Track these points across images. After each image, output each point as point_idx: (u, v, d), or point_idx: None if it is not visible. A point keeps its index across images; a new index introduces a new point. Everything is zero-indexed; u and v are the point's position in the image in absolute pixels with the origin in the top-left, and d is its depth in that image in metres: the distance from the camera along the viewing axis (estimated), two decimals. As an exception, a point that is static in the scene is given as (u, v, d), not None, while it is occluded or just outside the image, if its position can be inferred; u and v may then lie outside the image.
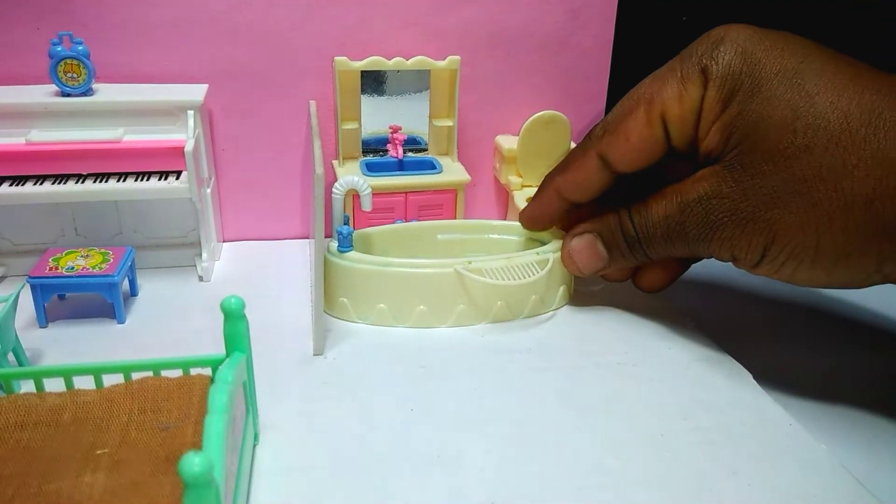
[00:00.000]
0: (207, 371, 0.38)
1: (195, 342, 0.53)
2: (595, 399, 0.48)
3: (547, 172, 0.57)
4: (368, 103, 0.68)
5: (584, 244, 0.55)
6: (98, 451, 0.34)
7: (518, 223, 0.66)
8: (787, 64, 0.44)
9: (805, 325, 0.61)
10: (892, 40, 0.78)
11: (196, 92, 0.62)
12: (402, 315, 0.56)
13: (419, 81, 0.68)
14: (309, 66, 0.66)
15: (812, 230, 0.43)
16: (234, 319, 0.38)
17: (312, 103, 0.66)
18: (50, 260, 0.56)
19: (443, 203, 0.68)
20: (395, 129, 0.69)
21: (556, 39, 0.70)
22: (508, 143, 0.71)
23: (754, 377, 0.51)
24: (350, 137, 0.69)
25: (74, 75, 0.59)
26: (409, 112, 0.69)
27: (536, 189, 0.59)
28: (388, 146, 0.69)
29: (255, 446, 0.42)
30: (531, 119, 0.68)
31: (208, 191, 0.64)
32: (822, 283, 0.46)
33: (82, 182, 0.58)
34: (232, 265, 0.67)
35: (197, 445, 0.33)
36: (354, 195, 0.62)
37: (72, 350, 0.52)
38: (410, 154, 0.70)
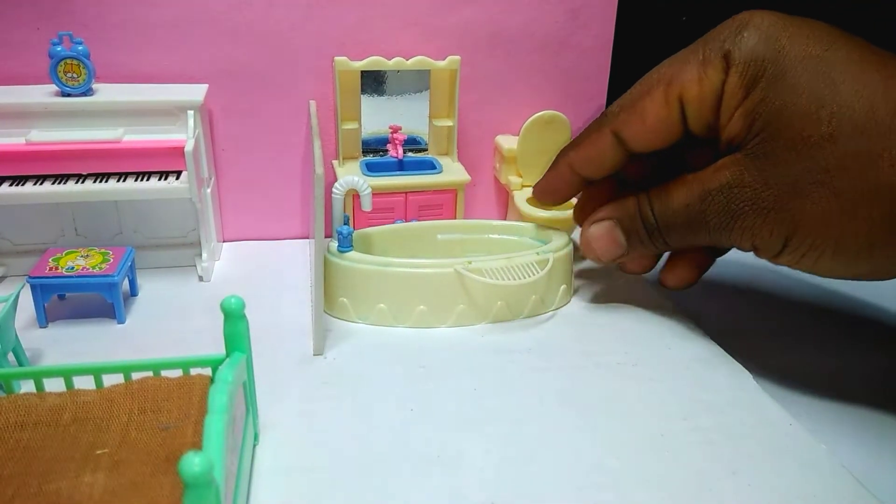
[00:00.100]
0: (207, 371, 0.38)
1: (195, 342, 0.53)
2: (595, 399, 0.48)
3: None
4: (368, 103, 0.68)
5: (603, 231, 0.54)
6: (98, 452, 0.34)
7: (518, 223, 0.66)
8: (813, 51, 0.43)
9: (805, 325, 0.61)
10: None
11: (196, 92, 0.62)
12: (402, 315, 0.56)
13: (419, 81, 0.68)
14: (309, 66, 0.66)
15: (835, 220, 0.42)
16: (234, 319, 0.38)
17: (312, 103, 0.66)
18: (50, 260, 0.56)
19: (443, 203, 0.68)
20: (395, 129, 0.69)
21: (556, 39, 0.70)
22: (508, 143, 0.71)
23: (754, 377, 0.51)
24: (350, 137, 0.69)
25: (74, 75, 0.59)
26: (409, 112, 0.69)
27: (551, 163, 0.58)
28: (388, 146, 0.69)
29: (255, 446, 0.42)
30: (531, 119, 0.68)
31: (208, 191, 0.64)
32: (845, 274, 0.46)
33: (82, 182, 0.58)
34: (232, 265, 0.67)
35: (197, 445, 0.33)
36: (354, 195, 0.62)
37: (72, 350, 0.52)
38: (410, 154, 0.70)
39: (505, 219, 0.75)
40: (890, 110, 0.41)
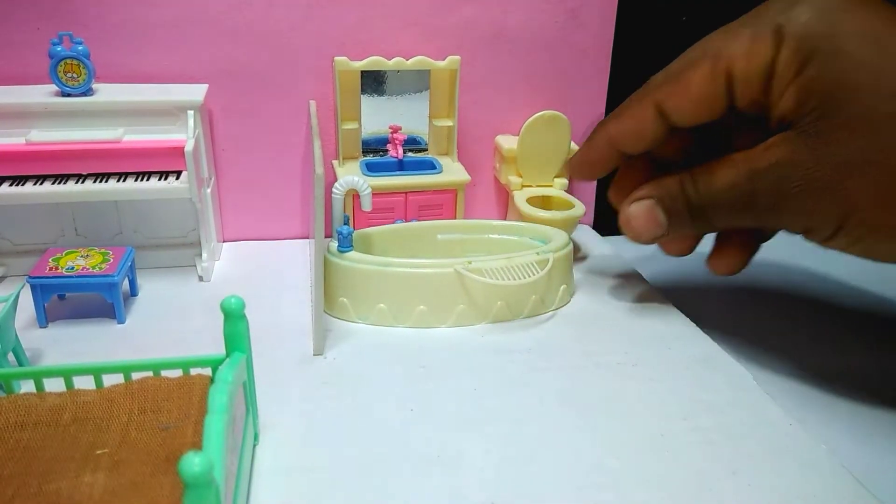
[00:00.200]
0: (207, 371, 0.38)
1: (195, 342, 0.53)
2: (595, 399, 0.48)
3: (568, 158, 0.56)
4: (368, 103, 0.68)
5: (643, 210, 0.52)
6: (98, 451, 0.34)
7: (518, 223, 0.66)
8: (869, 26, 0.41)
9: (805, 325, 0.61)
10: None
11: (196, 92, 0.62)
12: (402, 315, 0.56)
13: (419, 81, 0.68)
14: (309, 66, 0.66)
15: (893, 202, 0.40)
16: (234, 319, 0.38)
17: (312, 103, 0.66)
18: (50, 260, 0.56)
19: (443, 203, 0.68)
20: (395, 129, 0.69)
21: (556, 39, 0.70)
22: (508, 143, 0.71)
23: (754, 377, 0.51)
24: (350, 137, 0.69)
25: (74, 75, 0.59)
26: (409, 112, 0.69)
27: (588, 136, 0.55)
28: (388, 146, 0.69)
29: (255, 446, 0.42)
30: (531, 119, 0.68)
31: (208, 191, 0.64)
32: None
33: (82, 182, 0.58)
34: (232, 265, 0.67)
35: (197, 445, 0.33)
36: (354, 195, 0.62)
37: (72, 350, 0.52)
38: (410, 154, 0.70)
39: (505, 219, 0.75)
40: None
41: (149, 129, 0.60)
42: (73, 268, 0.55)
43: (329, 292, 0.57)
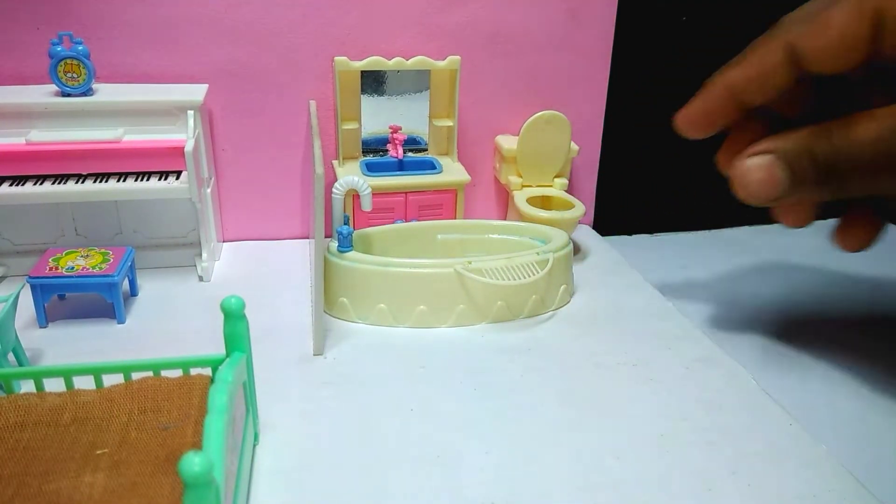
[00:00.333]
0: (207, 371, 0.38)
1: (195, 342, 0.53)
2: (595, 399, 0.48)
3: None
4: (368, 103, 0.68)
5: (761, 165, 0.44)
6: (98, 452, 0.34)
7: (518, 223, 0.66)
8: None
9: (805, 325, 0.61)
10: None
11: (196, 92, 0.62)
12: (402, 315, 0.56)
13: (419, 81, 0.68)
14: (309, 66, 0.66)
15: None
16: (234, 319, 0.38)
17: (312, 103, 0.66)
18: (50, 260, 0.56)
19: (443, 203, 0.68)
20: (395, 129, 0.69)
21: (556, 39, 0.70)
22: (508, 143, 0.71)
23: (754, 377, 0.51)
24: (350, 137, 0.69)
25: (74, 75, 0.59)
26: (409, 112, 0.69)
27: (702, 87, 0.48)
28: (388, 146, 0.69)
29: (255, 446, 0.42)
30: (531, 119, 0.68)
31: (208, 191, 0.64)
32: None
33: (82, 182, 0.58)
34: (232, 265, 0.67)
35: (197, 445, 0.33)
36: (354, 195, 0.62)
37: (72, 350, 0.52)
38: (410, 154, 0.70)
39: (505, 219, 0.75)
40: None
41: (149, 129, 0.60)
42: (73, 268, 0.55)
43: (329, 292, 0.57)
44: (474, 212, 0.75)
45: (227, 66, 0.65)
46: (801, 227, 0.49)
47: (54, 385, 0.38)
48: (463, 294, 0.56)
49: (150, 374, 0.38)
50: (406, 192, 0.66)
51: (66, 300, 0.58)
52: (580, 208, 0.67)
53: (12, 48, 0.61)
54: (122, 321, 0.56)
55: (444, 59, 0.67)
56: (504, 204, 0.76)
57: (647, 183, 0.79)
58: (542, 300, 0.58)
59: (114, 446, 0.34)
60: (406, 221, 0.66)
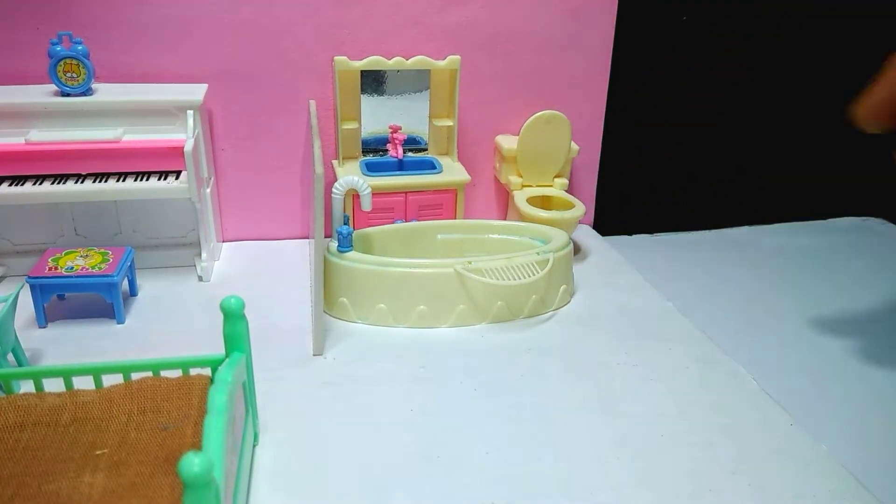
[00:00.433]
0: (207, 371, 0.38)
1: (195, 342, 0.53)
2: (595, 399, 0.48)
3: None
4: (368, 103, 0.68)
5: None
6: (97, 452, 0.34)
7: (518, 223, 0.66)
8: None
9: (805, 325, 0.61)
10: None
11: (196, 92, 0.62)
12: (402, 315, 0.56)
13: (419, 81, 0.68)
14: (309, 66, 0.66)
15: None
16: (233, 319, 0.38)
17: (312, 103, 0.66)
18: (49, 260, 0.56)
19: (443, 203, 0.68)
20: (395, 129, 0.69)
21: (556, 39, 0.70)
22: (508, 143, 0.71)
23: (754, 377, 0.51)
24: (350, 137, 0.69)
25: (74, 75, 0.59)
26: (409, 112, 0.69)
27: (879, 72, 0.40)
28: (388, 146, 0.69)
29: (255, 446, 0.42)
30: (531, 118, 0.68)
31: (208, 191, 0.64)
32: None
33: (82, 182, 0.58)
34: (232, 265, 0.67)
35: (197, 445, 0.33)
36: (354, 195, 0.62)
37: (71, 350, 0.52)
38: (410, 154, 0.70)
39: (505, 219, 0.75)
40: None
41: (148, 129, 0.60)
42: (72, 268, 0.55)
43: (329, 292, 0.57)
44: (474, 212, 0.75)
45: (226, 66, 0.65)
46: None
47: (54, 385, 0.38)
48: (463, 294, 0.56)
49: (150, 374, 0.38)
50: (406, 192, 0.66)
51: (65, 300, 0.58)
52: (580, 208, 0.67)
53: (12, 48, 0.61)
54: (121, 321, 0.56)
55: (444, 59, 0.67)
56: (504, 204, 0.76)
57: (647, 183, 0.79)
58: (542, 300, 0.58)
59: (113, 446, 0.34)
60: (406, 221, 0.66)
